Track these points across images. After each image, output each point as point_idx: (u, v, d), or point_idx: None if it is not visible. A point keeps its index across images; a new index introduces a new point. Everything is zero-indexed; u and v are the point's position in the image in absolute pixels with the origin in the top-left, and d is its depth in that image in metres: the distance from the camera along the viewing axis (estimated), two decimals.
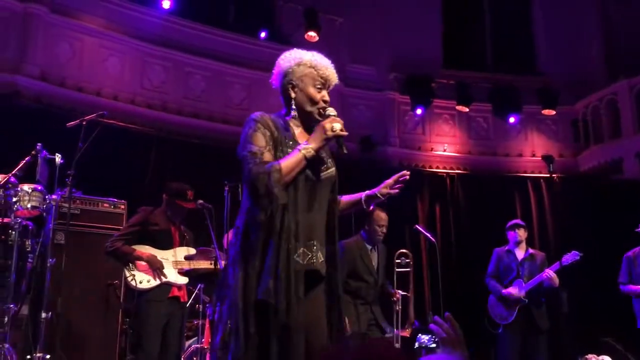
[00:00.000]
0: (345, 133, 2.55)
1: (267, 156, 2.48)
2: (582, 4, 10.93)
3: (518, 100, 10.10)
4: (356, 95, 10.02)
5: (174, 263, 4.34)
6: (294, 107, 2.63)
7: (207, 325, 5.58)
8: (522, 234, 6.15)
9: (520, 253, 6.13)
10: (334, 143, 2.57)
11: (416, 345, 6.20)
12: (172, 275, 4.29)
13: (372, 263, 5.09)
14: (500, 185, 10.03)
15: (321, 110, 2.62)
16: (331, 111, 2.61)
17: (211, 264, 4.40)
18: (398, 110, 10.19)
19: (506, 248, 6.22)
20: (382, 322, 5.08)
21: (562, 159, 10.38)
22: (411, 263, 5.53)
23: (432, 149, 10.19)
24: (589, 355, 7.10)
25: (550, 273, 5.79)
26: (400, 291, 5.46)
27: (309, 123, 2.66)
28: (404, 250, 5.62)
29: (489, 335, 6.16)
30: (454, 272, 9.00)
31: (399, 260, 5.53)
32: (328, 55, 10.07)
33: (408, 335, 6.03)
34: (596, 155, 10.10)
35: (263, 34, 9.16)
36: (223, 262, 4.52)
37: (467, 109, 10.11)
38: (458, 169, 10.17)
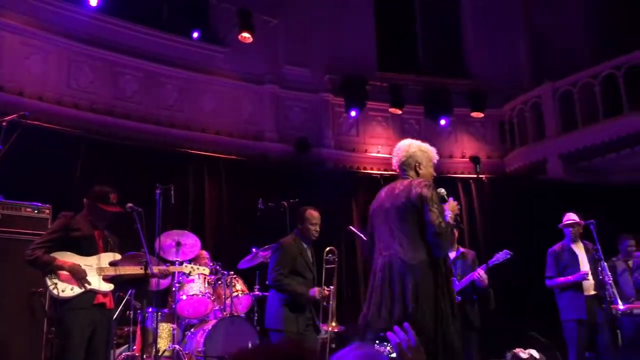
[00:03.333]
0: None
1: None
2: (509, 10, 11.35)
3: (449, 102, 10.39)
4: (291, 97, 10.03)
5: (98, 270, 4.17)
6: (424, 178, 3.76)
7: (138, 332, 5.45)
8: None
9: (452, 252, 6.26)
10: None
11: None
12: (96, 282, 4.13)
13: (310, 261, 5.14)
14: None
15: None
16: (443, 191, 3.72)
17: (141, 268, 4.27)
18: (333, 112, 10.26)
19: None
20: (317, 322, 5.12)
21: (490, 160, 10.75)
22: (336, 259, 5.62)
23: (366, 151, 10.33)
24: (517, 350, 7.37)
25: (480, 273, 5.95)
26: (331, 287, 5.51)
27: None
28: (331, 247, 5.70)
29: None
30: None
31: (327, 257, 5.59)
32: (263, 56, 10.06)
33: (334, 330, 6.07)
34: (522, 156, 10.51)
35: (196, 34, 9.01)
36: (154, 268, 4.42)
37: (400, 111, 10.31)
38: (392, 170, 10.30)
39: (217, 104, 9.41)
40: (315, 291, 4.94)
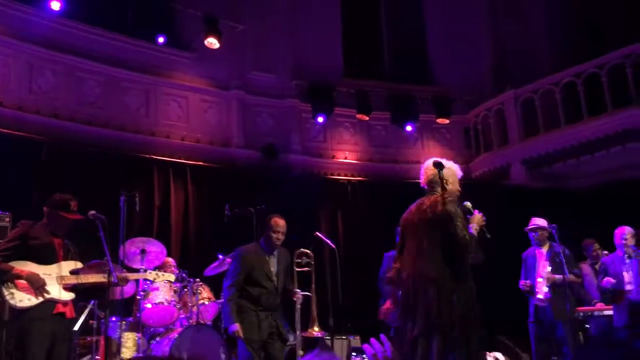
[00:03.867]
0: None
1: None
2: (473, 18, 11.54)
3: (415, 109, 10.49)
4: (258, 103, 10.00)
5: (58, 278, 4.08)
6: (450, 194, 4.03)
7: (102, 342, 5.34)
8: None
9: None
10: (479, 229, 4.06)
11: None
12: (56, 291, 4.02)
13: (271, 269, 5.07)
14: (399, 191, 10.31)
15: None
16: (468, 204, 4.17)
17: (104, 277, 4.19)
18: (300, 117, 10.27)
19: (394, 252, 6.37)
20: (284, 330, 5.07)
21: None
22: (312, 262, 5.53)
23: (333, 157, 10.35)
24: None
25: None
26: (300, 290, 5.46)
27: None
28: (304, 250, 5.61)
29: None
30: (356, 277, 9.16)
31: (299, 260, 5.51)
32: (229, 62, 9.95)
33: (315, 335, 6.03)
34: (486, 161, 10.68)
35: (161, 39, 8.93)
36: (117, 275, 4.34)
37: (367, 118, 10.36)
38: (359, 175, 10.39)
39: (183, 109, 9.33)
40: (235, 328, 4.74)
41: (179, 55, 9.39)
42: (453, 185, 4.11)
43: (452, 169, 4.20)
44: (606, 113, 9.27)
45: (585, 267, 7.41)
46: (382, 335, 1.85)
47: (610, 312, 6.47)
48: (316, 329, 5.71)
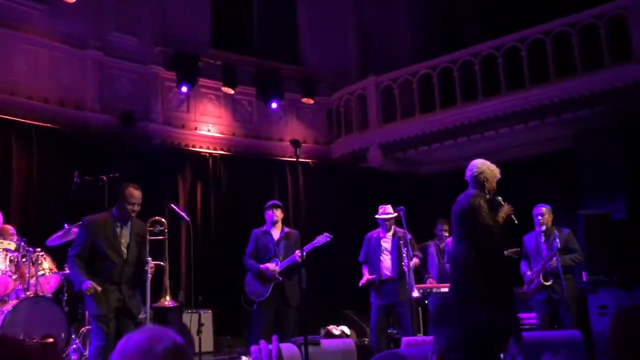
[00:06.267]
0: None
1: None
2: (342, 3, 11.76)
3: (281, 86, 10.52)
4: (118, 66, 9.45)
5: None
6: (488, 190, 4.95)
7: None
8: (278, 214, 6.43)
9: (276, 233, 6.41)
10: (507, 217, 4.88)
11: None
12: None
13: (122, 241, 4.86)
14: (261, 167, 10.39)
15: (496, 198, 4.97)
16: (499, 198, 4.93)
17: None
18: (162, 86, 9.87)
19: (264, 228, 6.46)
20: (134, 305, 4.89)
21: (318, 146, 11.13)
22: (165, 231, 5.33)
23: (196, 128, 10.11)
24: (330, 326, 7.82)
25: (301, 254, 6.17)
26: (152, 260, 5.28)
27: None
28: (157, 218, 5.38)
29: (244, 312, 6.39)
30: (213, 251, 9.11)
31: (152, 228, 5.30)
32: (87, 19, 9.32)
33: (167, 305, 5.91)
34: (346, 144, 11.03)
35: None
36: None
37: (232, 91, 10.22)
38: (222, 149, 10.25)
39: (31, 65, 8.55)
40: (88, 284, 4.58)
41: (29, 6, 8.59)
42: (490, 184, 4.95)
43: (494, 171, 5.01)
44: (455, 106, 9.94)
45: (431, 245, 7.98)
46: (274, 337, 1.86)
47: (447, 289, 7.02)
48: (168, 298, 5.61)
